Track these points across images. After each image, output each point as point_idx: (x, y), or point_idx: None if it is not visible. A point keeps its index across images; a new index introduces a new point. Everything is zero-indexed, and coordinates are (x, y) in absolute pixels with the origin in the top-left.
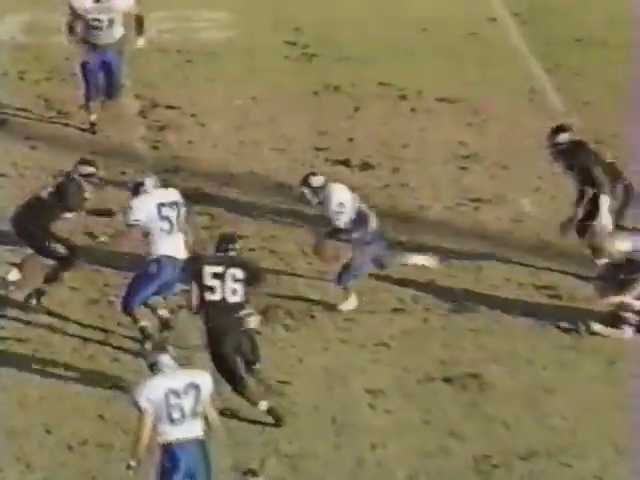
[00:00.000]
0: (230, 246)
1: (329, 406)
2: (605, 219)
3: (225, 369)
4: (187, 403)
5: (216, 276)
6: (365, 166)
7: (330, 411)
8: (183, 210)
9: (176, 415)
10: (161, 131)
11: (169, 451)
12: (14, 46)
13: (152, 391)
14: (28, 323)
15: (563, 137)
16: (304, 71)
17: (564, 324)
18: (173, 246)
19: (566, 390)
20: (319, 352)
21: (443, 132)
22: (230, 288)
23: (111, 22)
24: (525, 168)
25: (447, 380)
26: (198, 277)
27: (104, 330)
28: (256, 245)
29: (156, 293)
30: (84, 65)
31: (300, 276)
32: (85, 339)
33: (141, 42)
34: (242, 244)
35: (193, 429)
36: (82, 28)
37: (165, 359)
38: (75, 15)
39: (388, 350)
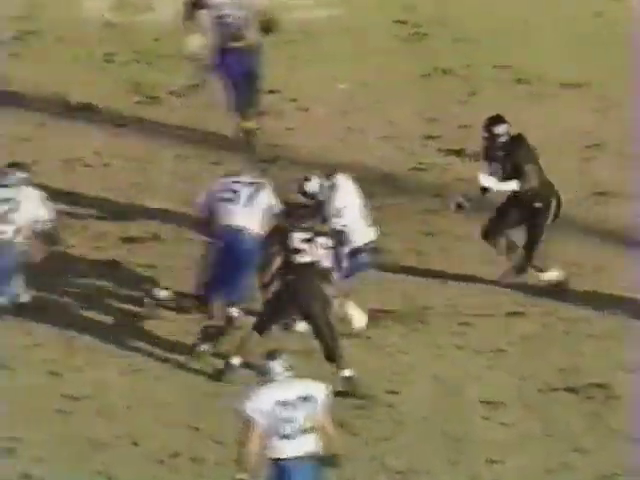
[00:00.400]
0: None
1: (441, 418)
2: None
3: (321, 332)
4: (299, 417)
5: (305, 241)
6: (480, 156)
7: (442, 423)
8: (266, 200)
9: (286, 430)
10: (259, 117)
11: (279, 467)
12: (101, 25)
13: (260, 402)
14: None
15: (502, 129)
16: (414, 52)
17: None
18: (242, 217)
19: None
20: (430, 359)
21: (566, 119)
22: (321, 253)
23: (244, 20)
24: None
25: (570, 390)
26: (283, 242)
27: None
28: None
29: (240, 268)
30: (225, 69)
31: (410, 276)
32: (176, 342)
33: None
34: None
35: (306, 445)
36: (215, 25)
37: (277, 367)
38: (202, 3)
39: (506, 357)
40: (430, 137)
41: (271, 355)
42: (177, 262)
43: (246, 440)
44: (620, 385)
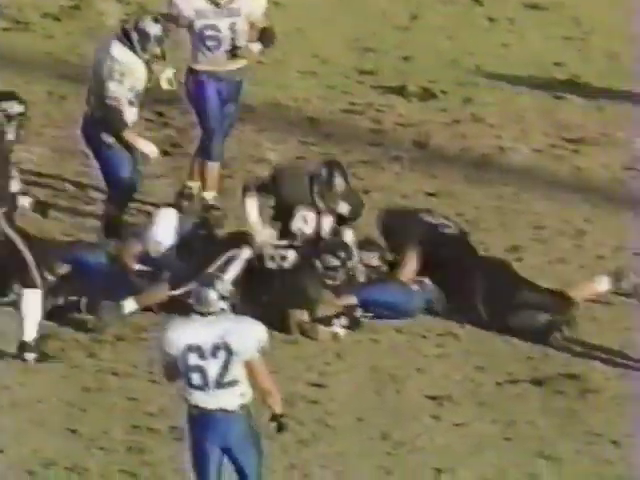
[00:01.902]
0: None
1: (378, 418)
2: None
3: None
4: (212, 368)
5: None
6: (426, 95)
7: (380, 424)
8: None
9: (196, 380)
10: None
11: (191, 415)
12: None
13: (171, 342)
14: None
15: None
16: None
17: None
18: None
19: None
20: (365, 345)
21: (532, 50)
22: None
23: (234, 32)
24: None
25: (536, 382)
26: None
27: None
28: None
29: None
30: (200, 96)
31: None
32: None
33: (256, 47)
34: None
35: (221, 400)
36: (192, 43)
37: (211, 294)
38: (176, 20)
39: (457, 342)
40: (364, 72)
41: (208, 279)
42: None
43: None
44: (597, 377)
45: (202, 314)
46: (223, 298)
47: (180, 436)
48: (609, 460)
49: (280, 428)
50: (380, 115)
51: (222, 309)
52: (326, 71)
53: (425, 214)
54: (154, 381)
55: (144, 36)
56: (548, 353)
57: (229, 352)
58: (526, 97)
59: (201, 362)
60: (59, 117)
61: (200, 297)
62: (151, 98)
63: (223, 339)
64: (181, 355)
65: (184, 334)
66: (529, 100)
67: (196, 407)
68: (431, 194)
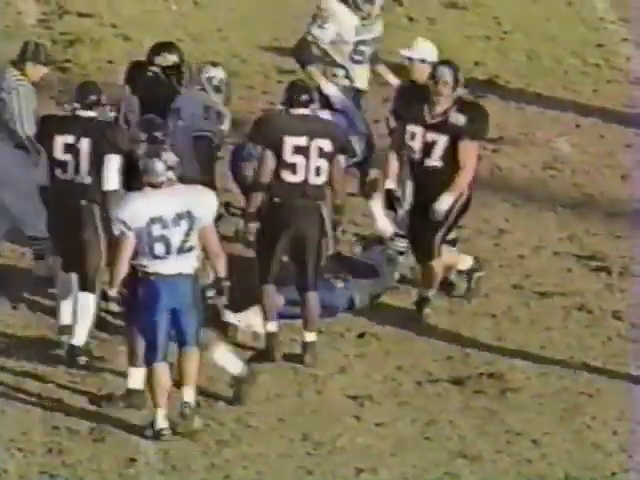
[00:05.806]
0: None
1: (299, 417)
2: None
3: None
4: (175, 236)
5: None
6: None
7: (300, 424)
8: None
9: (159, 250)
10: (71, 47)
11: (147, 283)
12: None
13: (133, 215)
14: None
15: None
16: None
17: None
18: None
19: (616, 395)
20: (285, 344)
21: (452, 49)
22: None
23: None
24: (562, 97)
25: (456, 382)
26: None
27: None
28: None
29: None
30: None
31: None
32: None
33: None
34: None
35: (180, 265)
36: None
37: (159, 165)
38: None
39: (377, 342)
40: (284, 71)
41: (153, 151)
42: None
43: (117, 254)
44: (518, 376)
45: (153, 186)
46: (170, 168)
47: (100, 437)
48: (529, 459)
49: (220, 292)
50: None
51: (169, 179)
52: (246, 71)
53: None
54: (74, 382)
55: None
56: (468, 352)
57: (191, 219)
58: None
59: (164, 231)
60: None
61: (148, 168)
62: (70, 98)
63: (186, 208)
64: (145, 227)
65: (146, 207)
66: None
67: (155, 274)
68: (353, 194)
